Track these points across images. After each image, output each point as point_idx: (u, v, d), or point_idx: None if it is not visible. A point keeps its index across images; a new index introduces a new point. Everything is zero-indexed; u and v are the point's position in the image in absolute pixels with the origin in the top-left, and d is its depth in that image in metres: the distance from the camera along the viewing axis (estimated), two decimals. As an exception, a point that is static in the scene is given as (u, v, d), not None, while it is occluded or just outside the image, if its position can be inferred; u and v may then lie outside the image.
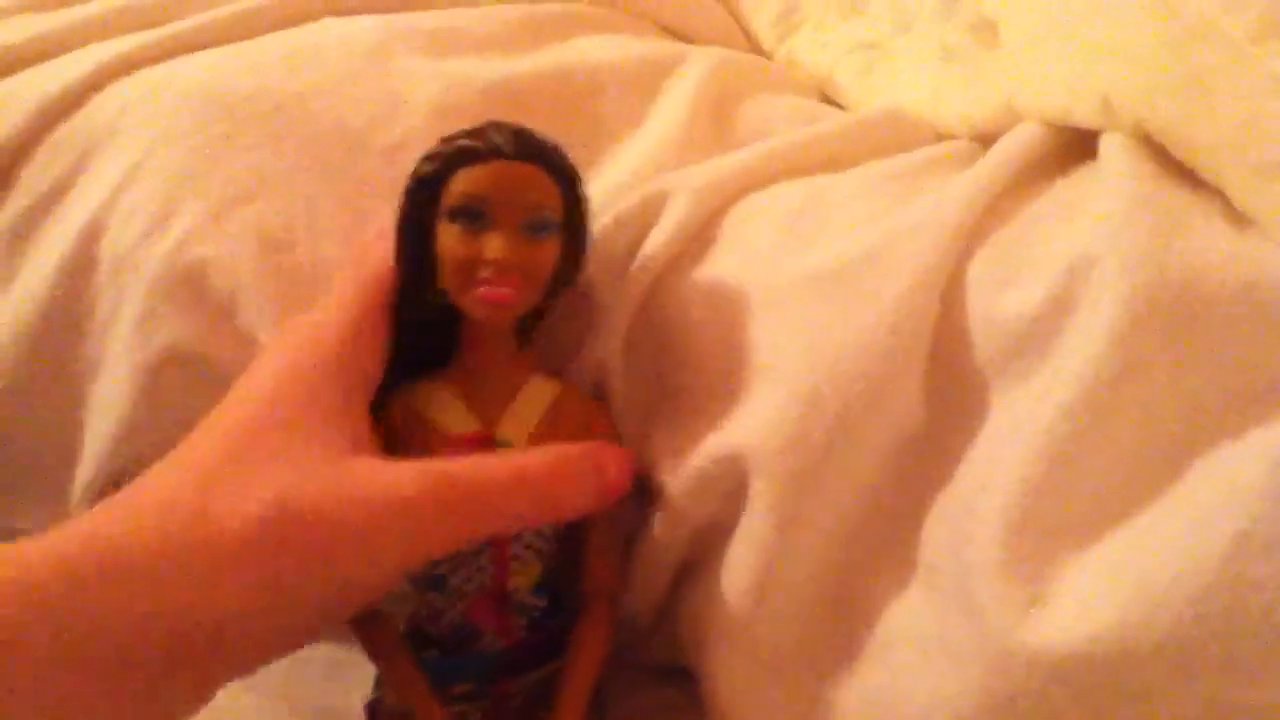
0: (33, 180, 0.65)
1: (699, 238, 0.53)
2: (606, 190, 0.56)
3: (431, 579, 0.49)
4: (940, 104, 0.62)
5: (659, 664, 0.57)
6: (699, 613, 0.51)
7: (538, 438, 0.49)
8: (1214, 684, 0.37)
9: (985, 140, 0.57)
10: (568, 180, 0.48)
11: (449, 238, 0.46)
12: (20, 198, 0.64)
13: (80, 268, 0.61)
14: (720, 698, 0.50)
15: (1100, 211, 0.45)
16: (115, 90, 0.65)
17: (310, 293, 0.55)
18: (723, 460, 0.48)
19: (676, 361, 0.51)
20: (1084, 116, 0.50)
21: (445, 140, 0.48)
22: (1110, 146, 0.49)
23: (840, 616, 0.48)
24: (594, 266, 0.52)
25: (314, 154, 0.58)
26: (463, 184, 0.46)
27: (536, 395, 0.50)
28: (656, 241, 0.52)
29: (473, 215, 0.46)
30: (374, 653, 0.49)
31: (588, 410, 0.51)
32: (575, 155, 0.52)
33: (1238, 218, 0.44)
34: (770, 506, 0.48)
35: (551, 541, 0.50)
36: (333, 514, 0.41)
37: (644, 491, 0.53)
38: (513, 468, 0.45)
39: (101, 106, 0.65)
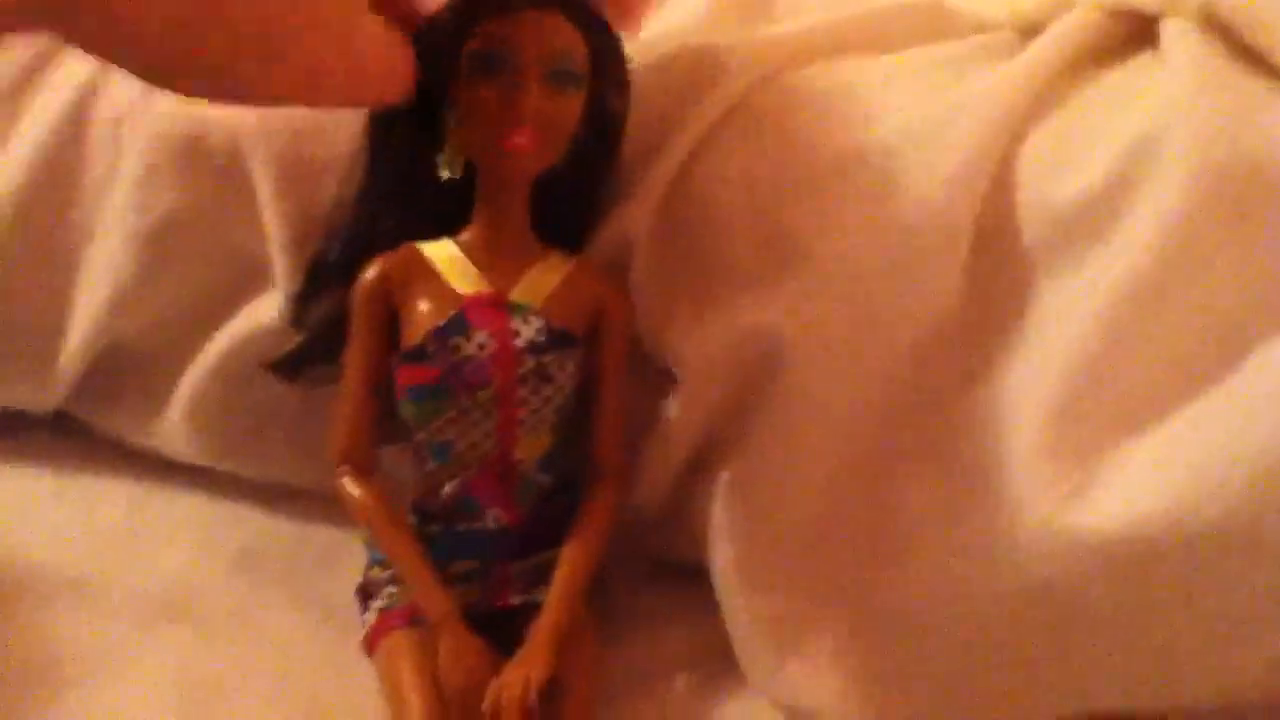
0: (20, 43, 0.61)
1: (739, 111, 0.50)
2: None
3: (435, 446, 0.47)
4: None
5: (666, 558, 0.55)
6: (716, 501, 0.49)
7: (551, 307, 0.47)
8: (1271, 569, 0.35)
9: (1031, 32, 0.54)
10: (595, 32, 0.46)
11: (470, 88, 0.45)
12: (7, 62, 0.61)
13: (74, 128, 0.58)
14: (735, 591, 0.48)
15: (1165, 93, 0.43)
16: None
17: (313, 148, 0.52)
18: (750, 335, 0.47)
19: (708, 235, 0.49)
20: (1143, 0, 0.48)
21: None
22: (1173, 31, 0.46)
23: (865, 510, 0.47)
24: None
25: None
26: (489, 33, 0.44)
27: (552, 266, 0.48)
28: (702, 107, 0.49)
29: (494, 64, 0.44)
30: (369, 521, 0.48)
31: (602, 283, 0.49)
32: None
33: (1310, 104, 0.42)
34: (798, 388, 0.46)
35: (561, 413, 0.49)
36: None
37: (659, 372, 0.51)
38: None
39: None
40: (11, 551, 0.58)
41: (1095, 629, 0.38)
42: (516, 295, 0.47)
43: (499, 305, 0.46)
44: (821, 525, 0.47)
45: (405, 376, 0.47)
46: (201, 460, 0.61)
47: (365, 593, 0.50)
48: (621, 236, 0.50)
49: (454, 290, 0.47)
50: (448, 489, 0.48)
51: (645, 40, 0.54)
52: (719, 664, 0.50)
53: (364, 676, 0.48)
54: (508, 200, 0.47)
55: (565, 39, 0.45)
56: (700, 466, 0.51)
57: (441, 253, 0.47)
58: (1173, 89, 0.43)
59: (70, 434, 0.65)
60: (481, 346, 0.46)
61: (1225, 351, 0.39)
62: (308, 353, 0.51)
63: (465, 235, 0.48)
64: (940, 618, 0.43)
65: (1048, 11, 0.53)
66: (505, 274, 0.47)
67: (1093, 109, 0.46)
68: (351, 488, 0.48)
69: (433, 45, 0.45)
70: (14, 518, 0.61)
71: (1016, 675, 0.41)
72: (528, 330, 0.46)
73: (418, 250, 0.47)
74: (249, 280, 0.56)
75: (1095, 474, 0.39)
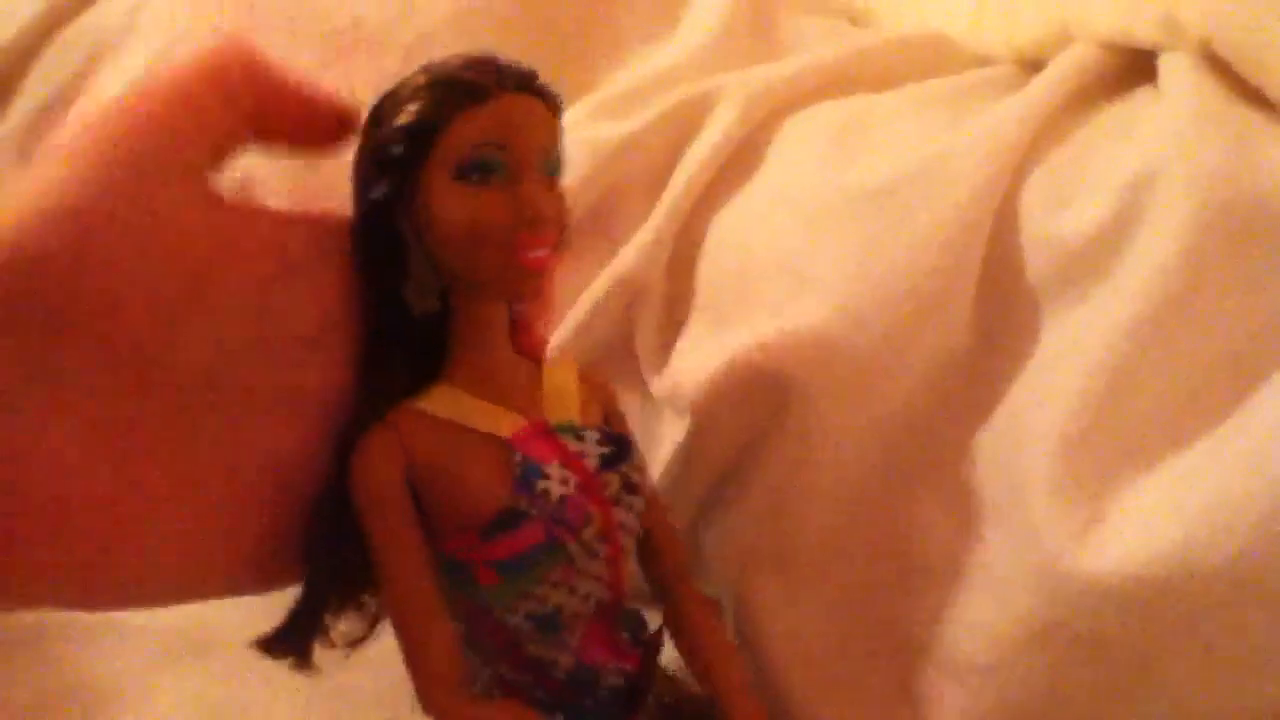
0: (43, 80, 0.63)
1: (746, 148, 0.51)
2: (629, 92, 0.54)
3: (540, 619, 0.38)
4: (983, 27, 0.60)
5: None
6: (730, 534, 0.50)
7: (588, 415, 0.40)
8: (1286, 606, 0.36)
9: (1031, 65, 0.55)
10: (559, 112, 0.39)
11: (460, 201, 0.36)
12: (31, 98, 0.62)
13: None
14: (751, 622, 0.48)
15: (1165, 128, 0.44)
16: (127, -11, 0.63)
17: (326, 186, 0.53)
18: (761, 374, 0.47)
19: (717, 274, 0.50)
20: (1145, 35, 0.49)
21: (420, 80, 0.37)
22: (1171, 66, 0.47)
23: (875, 542, 0.47)
24: (620, 170, 0.51)
25: (332, 49, 0.56)
26: (473, 130, 0.36)
27: (558, 373, 0.41)
28: (705, 147, 0.50)
29: (489, 167, 0.36)
30: None
31: (603, 388, 0.43)
32: (596, 61, 0.50)
33: (1309, 139, 0.43)
34: (808, 425, 0.46)
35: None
36: None
37: (673, 407, 0.51)
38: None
39: (113, 5, 0.63)
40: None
41: (1106, 668, 0.38)
42: (553, 417, 0.39)
43: (548, 434, 0.39)
44: (835, 558, 0.47)
45: (500, 550, 0.37)
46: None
47: None
48: (629, 280, 0.51)
49: (493, 436, 0.38)
50: (562, 664, 0.39)
51: (648, 80, 0.55)
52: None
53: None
54: (492, 320, 0.39)
55: (550, 124, 0.38)
56: (718, 497, 0.51)
57: (443, 402, 0.38)
58: (1172, 124, 0.43)
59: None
60: (565, 481, 0.38)
61: (1233, 386, 0.39)
62: (317, 606, 0.39)
63: (452, 373, 0.39)
64: (952, 648, 0.44)
65: (1047, 45, 0.54)
66: (524, 400, 0.39)
67: (1093, 145, 0.46)
68: (466, 712, 0.37)
69: (393, 156, 0.37)
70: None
71: (1028, 711, 0.41)
72: (591, 448, 0.39)
73: (413, 410, 0.38)
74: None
75: (1105, 511, 0.39)
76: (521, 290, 0.38)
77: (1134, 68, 0.50)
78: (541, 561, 0.37)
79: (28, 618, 0.55)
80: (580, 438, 0.39)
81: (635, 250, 0.51)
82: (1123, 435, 0.40)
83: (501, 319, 0.40)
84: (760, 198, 0.50)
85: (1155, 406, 0.40)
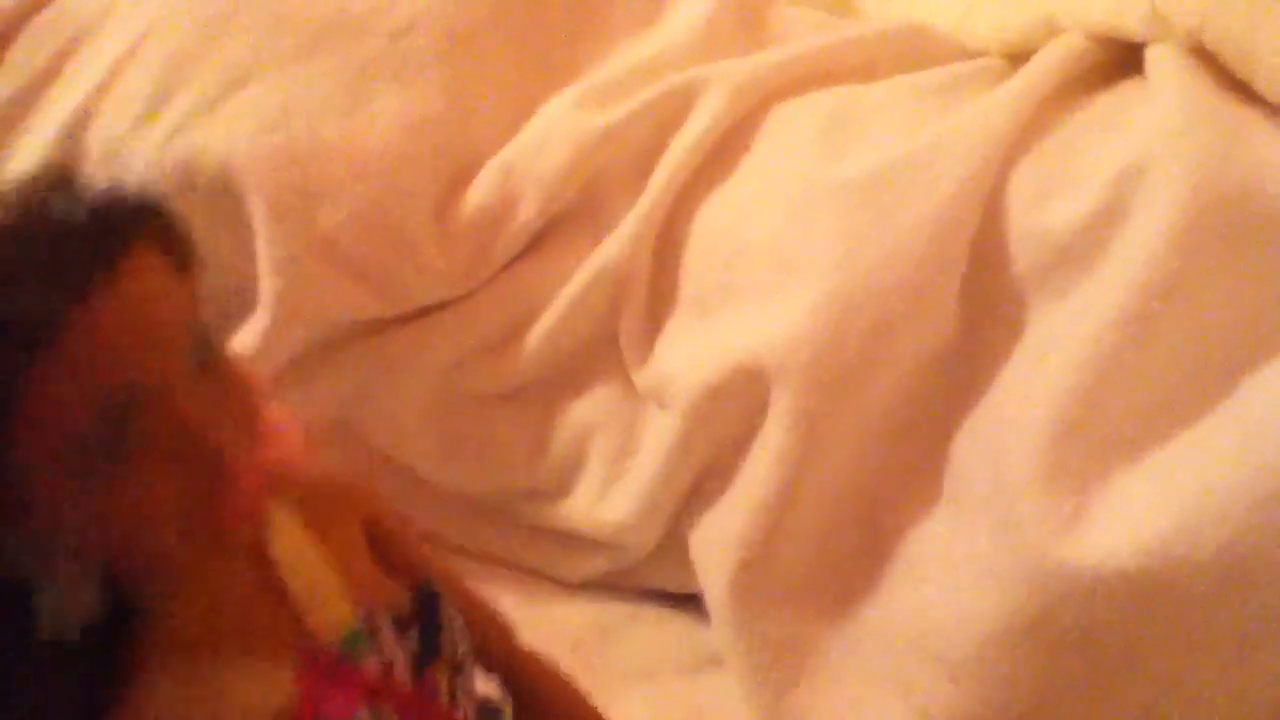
0: (15, 67, 0.62)
1: (732, 138, 0.50)
2: (613, 81, 0.54)
3: None
4: (971, 19, 0.59)
5: (660, 589, 0.55)
6: (713, 532, 0.49)
7: (363, 591, 0.30)
8: (1274, 595, 0.36)
9: (1018, 57, 0.55)
10: (185, 242, 0.28)
11: (93, 501, 0.25)
12: (5, 82, 0.61)
13: (67, 158, 0.58)
14: (735, 623, 0.48)
15: (1154, 121, 0.44)
16: (107, -27, 0.62)
17: (304, 172, 0.53)
18: (747, 369, 0.47)
19: (702, 264, 0.49)
20: (1131, 27, 0.48)
21: None
22: (1158, 58, 0.47)
23: (864, 536, 0.46)
24: (604, 160, 0.51)
25: (314, 36, 0.56)
26: (65, 393, 0.24)
27: (291, 544, 0.30)
28: (690, 137, 0.49)
29: (118, 442, 0.25)
30: None
31: (328, 484, 0.33)
32: (582, 50, 0.51)
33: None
34: (794, 418, 0.46)
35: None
36: None
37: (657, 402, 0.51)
38: None
39: (92, -10, 0.62)
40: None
41: (1094, 659, 0.38)
42: (325, 630, 0.29)
43: (335, 667, 0.29)
44: (822, 549, 0.47)
45: None
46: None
47: None
48: (613, 270, 0.50)
49: (268, 708, 0.28)
50: None
51: (633, 69, 0.55)
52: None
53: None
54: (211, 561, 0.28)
55: (178, 289, 0.27)
56: (701, 494, 0.51)
57: (177, 703, 0.28)
58: (1160, 117, 0.43)
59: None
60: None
61: (1219, 378, 0.39)
62: None
63: (167, 654, 0.28)
64: (942, 641, 0.43)
65: (1034, 38, 0.54)
66: (274, 625, 0.29)
67: (1081, 136, 0.46)
68: None
69: None
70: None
71: (1019, 703, 0.41)
72: (393, 650, 0.30)
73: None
74: (236, 300, 0.56)
75: (1092, 502, 0.39)
76: (235, 539, 0.28)
77: (1121, 59, 0.50)
78: None
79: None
80: (375, 642, 0.30)
81: (619, 240, 0.50)
82: (1109, 427, 0.40)
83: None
84: (746, 188, 0.49)
85: (1142, 399, 0.40)
